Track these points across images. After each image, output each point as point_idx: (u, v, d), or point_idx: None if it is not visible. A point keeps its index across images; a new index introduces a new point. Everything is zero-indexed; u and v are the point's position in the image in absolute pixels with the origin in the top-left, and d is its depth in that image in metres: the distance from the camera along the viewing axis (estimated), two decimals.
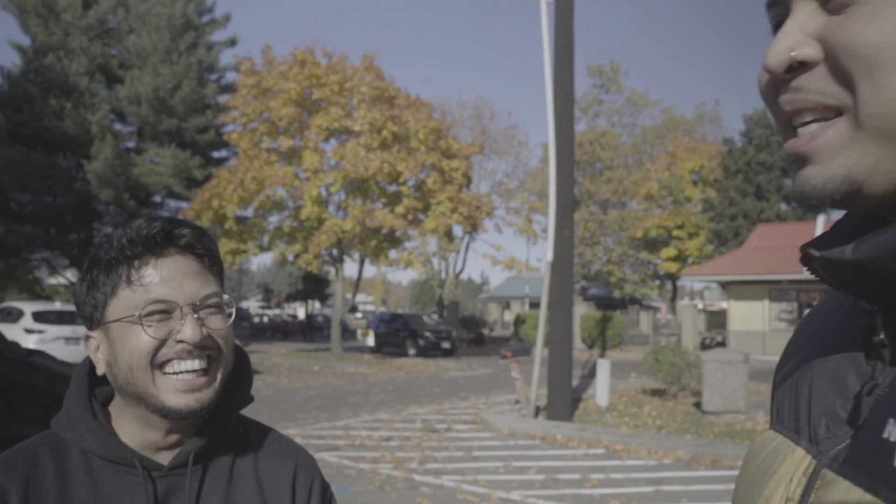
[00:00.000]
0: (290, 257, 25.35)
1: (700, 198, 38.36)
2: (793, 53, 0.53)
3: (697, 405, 12.18)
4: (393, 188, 24.73)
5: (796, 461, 0.60)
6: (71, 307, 18.34)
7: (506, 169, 48.79)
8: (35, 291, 36.54)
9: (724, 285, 30.03)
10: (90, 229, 31.12)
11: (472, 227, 26.21)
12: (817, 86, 0.53)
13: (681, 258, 37.01)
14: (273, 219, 26.01)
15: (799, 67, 0.54)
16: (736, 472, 1.03)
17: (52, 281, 40.56)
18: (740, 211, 37.02)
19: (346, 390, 15.77)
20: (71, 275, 35.80)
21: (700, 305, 40.04)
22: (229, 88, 30.90)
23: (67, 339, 15.77)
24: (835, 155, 0.53)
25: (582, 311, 31.24)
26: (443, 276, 43.89)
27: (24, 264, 33.35)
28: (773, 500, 0.60)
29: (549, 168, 11.66)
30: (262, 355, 25.11)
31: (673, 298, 44.88)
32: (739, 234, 36.02)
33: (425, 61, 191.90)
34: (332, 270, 28.65)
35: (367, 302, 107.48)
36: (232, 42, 33.30)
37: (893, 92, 0.49)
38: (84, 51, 28.21)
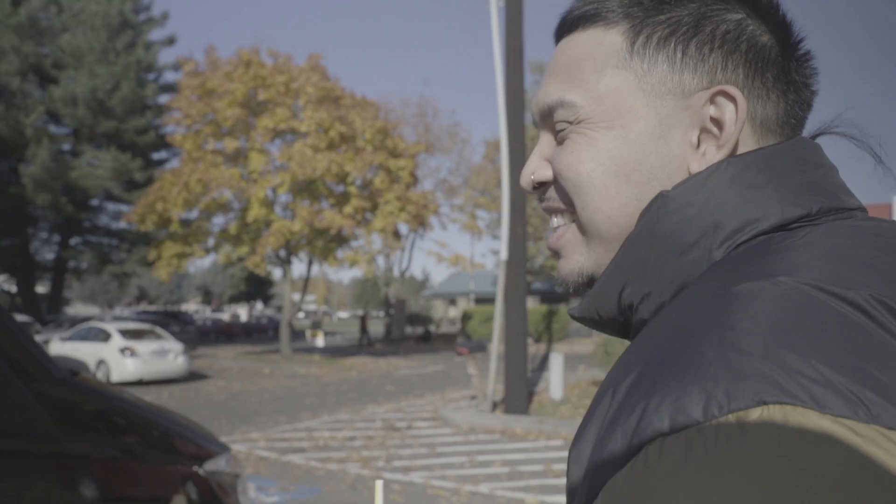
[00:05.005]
0: (236, 259, 25.13)
1: None
2: (532, 177, 0.69)
3: None
4: (341, 188, 24.71)
5: None
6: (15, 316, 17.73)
7: (449, 166, 49.31)
8: None
9: None
10: (24, 234, 30.19)
11: (420, 225, 26.39)
12: (556, 196, 0.68)
13: None
14: (218, 221, 25.72)
15: (543, 185, 0.69)
16: None
17: None
18: None
19: (300, 392, 15.82)
20: (3, 280, 34.65)
21: None
22: (169, 88, 30.34)
23: None
24: (571, 252, 0.67)
25: (528, 305, 31.73)
26: (388, 274, 44.01)
27: None
28: None
29: (501, 169, 11.94)
30: (210, 359, 24.83)
31: None
32: None
33: (367, 59, 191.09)
34: (278, 271, 28.49)
35: (309, 301, 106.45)
36: (170, 41, 32.69)
37: (594, 207, 0.62)
38: (15, 50, 27.30)
